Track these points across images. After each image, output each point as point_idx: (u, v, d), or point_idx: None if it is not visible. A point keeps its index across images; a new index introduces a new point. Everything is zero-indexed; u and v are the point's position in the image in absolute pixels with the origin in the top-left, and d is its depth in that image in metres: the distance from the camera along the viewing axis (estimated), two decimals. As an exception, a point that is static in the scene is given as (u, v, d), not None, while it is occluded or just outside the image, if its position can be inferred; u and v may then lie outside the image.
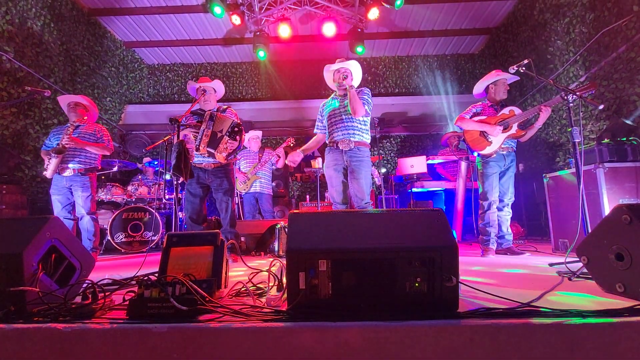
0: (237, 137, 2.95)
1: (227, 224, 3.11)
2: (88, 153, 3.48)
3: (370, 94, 2.98)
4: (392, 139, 7.49)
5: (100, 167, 3.67)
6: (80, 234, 3.48)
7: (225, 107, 3.24)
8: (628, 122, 2.15)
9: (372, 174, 3.56)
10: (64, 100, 3.56)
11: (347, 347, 1.00)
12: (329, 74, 3.08)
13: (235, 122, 2.97)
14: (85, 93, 5.49)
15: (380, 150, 7.13)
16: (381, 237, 1.19)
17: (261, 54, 6.09)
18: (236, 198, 4.70)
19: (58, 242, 1.39)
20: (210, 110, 3.08)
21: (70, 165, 3.36)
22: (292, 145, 4.81)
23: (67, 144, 3.31)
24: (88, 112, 3.56)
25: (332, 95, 3.14)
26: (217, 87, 3.23)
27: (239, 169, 4.82)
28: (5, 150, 4.18)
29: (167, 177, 4.68)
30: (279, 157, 4.85)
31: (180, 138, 2.99)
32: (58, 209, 3.37)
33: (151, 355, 1.01)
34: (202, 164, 3.09)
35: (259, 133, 5.00)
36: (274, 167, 4.98)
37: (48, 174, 3.33)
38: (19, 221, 1.41)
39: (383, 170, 5.81)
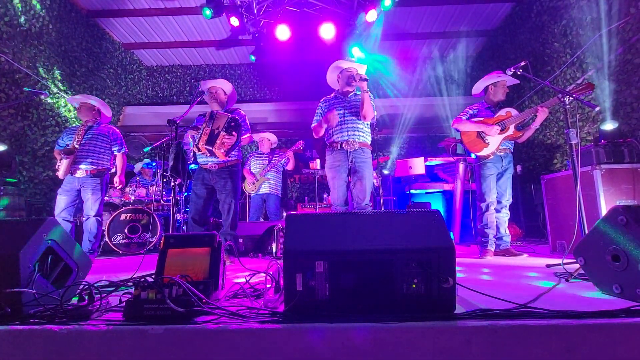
0: (234, 132, 2.90)
1: (228, 226, 3.06)
2: (100, 154, 3.46)
3: (374, 99, 2.99)
4: (390, 141, 7.50)
5: (112, 168, 3.64)
6: (80, 237, 3.45)
7: (233, 109, 3.24)
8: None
9: None
10: (73, 101, 3.56)
11: (345, 348, 1.00)
12: (334, 72, 3.06)
13: (231, 117, 2.92)
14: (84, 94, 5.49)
15: (379, 152, 7.15)
16: (378, 239, 1.19)
17: (253, 56, 6.11)
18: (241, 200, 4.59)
19: (55, 243, 1.38)
20: (216, 110, 3.08)
21: (82, 166, 3.32)
22: (302, 148, 4.75)
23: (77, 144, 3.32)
24: (94, 111, 3.53)
25: (333, 94, 3.12)
26: (225, 87, 3.20)
27: (249, 170, 4.74)
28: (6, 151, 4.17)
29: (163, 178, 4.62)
30: (289, 159, 4.75)
31: (186, 139, 3.00)
32: (60, 209, 3.26)
33: (147, 357, 1.01)
34: (206, 164, 3.05)
35: (269, 135, 4.90)
36: (285, 167, 4.85)
37: (60, 174, 3.29)
38: (16, 222, 1.41)
39: (386, 172, 5.79)
